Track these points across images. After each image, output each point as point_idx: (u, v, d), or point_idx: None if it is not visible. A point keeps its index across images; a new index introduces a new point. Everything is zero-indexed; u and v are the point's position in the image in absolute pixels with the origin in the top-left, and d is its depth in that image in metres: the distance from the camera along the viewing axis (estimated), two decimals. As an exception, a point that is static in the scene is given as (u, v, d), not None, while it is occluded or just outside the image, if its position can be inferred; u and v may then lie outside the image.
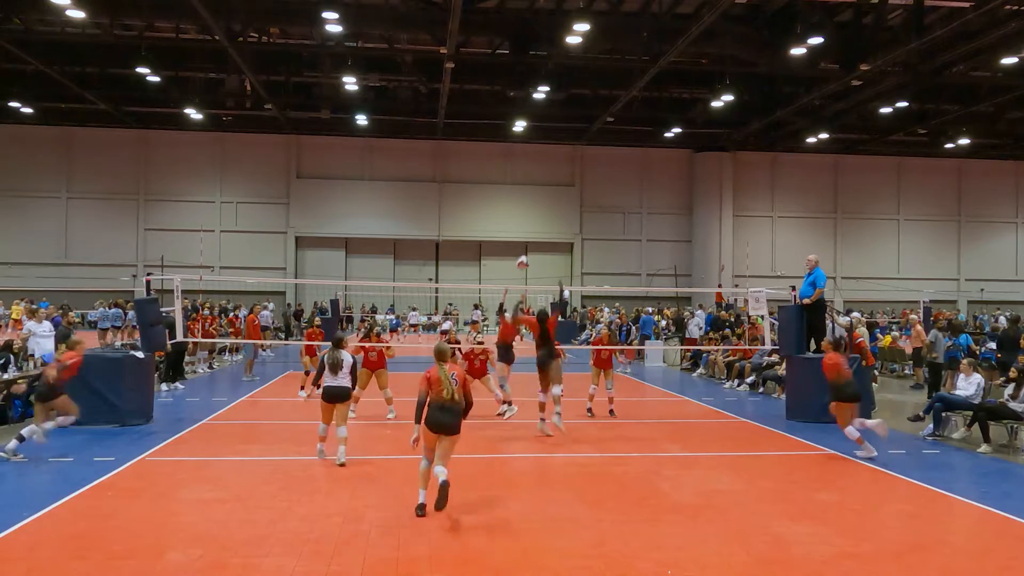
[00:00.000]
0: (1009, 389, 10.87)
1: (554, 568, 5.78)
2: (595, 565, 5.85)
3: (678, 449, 10.50)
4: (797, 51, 24.45)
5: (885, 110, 32.46)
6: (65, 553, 5.98)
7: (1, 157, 38.60)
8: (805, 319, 12.78)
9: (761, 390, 16.40)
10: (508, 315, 12.29)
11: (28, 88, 33.14)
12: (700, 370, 19.89)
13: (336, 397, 9.05)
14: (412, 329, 35.18)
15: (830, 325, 14.07)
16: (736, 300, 29.01)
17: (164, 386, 15.05)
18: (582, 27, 22.92)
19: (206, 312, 23.54)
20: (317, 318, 24.87)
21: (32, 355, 13.36)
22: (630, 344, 22.91)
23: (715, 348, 19.49)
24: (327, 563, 5.79)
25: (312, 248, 41.02)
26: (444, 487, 6.80)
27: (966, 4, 21.77)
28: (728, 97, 30.10)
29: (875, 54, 24.74)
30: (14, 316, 26.91)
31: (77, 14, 23.34)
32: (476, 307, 33.99)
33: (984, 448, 10.22)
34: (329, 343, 10.02)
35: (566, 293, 29.56)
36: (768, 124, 34.90)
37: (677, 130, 36.63)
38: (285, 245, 40.59)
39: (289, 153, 40.75)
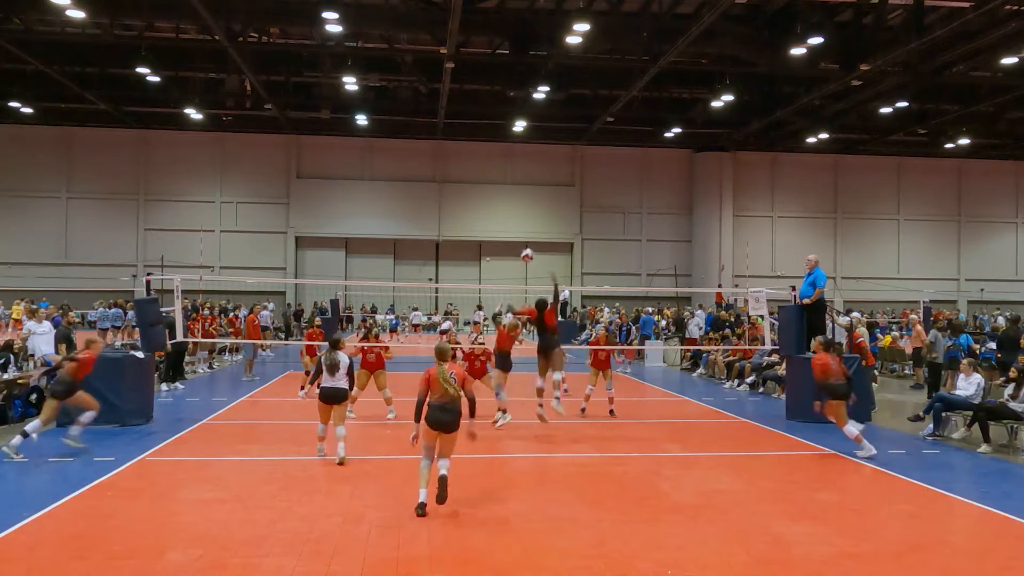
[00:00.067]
0: (1009, 389, 10.87)
1: (554, 568, 5.78)
2: (595, 565, 5.85)
3: (678, 449, 10.50)
4: (797, 51, 24.45)
5: (885, 110, 32.46)
6: (65, 553, 5.98)
7: (1, 157, 38.61)
8: (805, 319, 12.78)
9: (761, 390, 16.40)
10: (507, 318, 12.30)
11: (28, 88, 33.15)
12: (700, 370, 19.89)
13: (333, 398, 9.06)
14: (414, 329, 35.16)
15: (830, 325, 14.08)
16: (736, 300, 29.00)
17: (164, 386, 15.05)
18: (582, 27, 22.93)
19: (206, 312, 23.55)
20: (317, 318, 24.86)
21: (32, 355, 13.36)
22: (630, 344, 22.91)
23: (715, 348, 19.50)
24: (327, 563, 5.79)
25: (312, 248, 41.02)
26: (443, 480, 6.93)
27: (966, 4, 21.77)
28: (728, 97, 30.12)
29: (875, 54, 24.74)
30: (14, 316, 26.91)
31: (77, 14, 23.35)
32: (479, 308, 33.97)
33: (984, 448, 10.22)
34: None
35: (565, 293, 29.56)
36: (768, 124, 34.90)
37: (677, 130, 36.63)
38: (285, 245, 40.59)
39: (289, 153, 40.75)
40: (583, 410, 12.90)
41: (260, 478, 8.34)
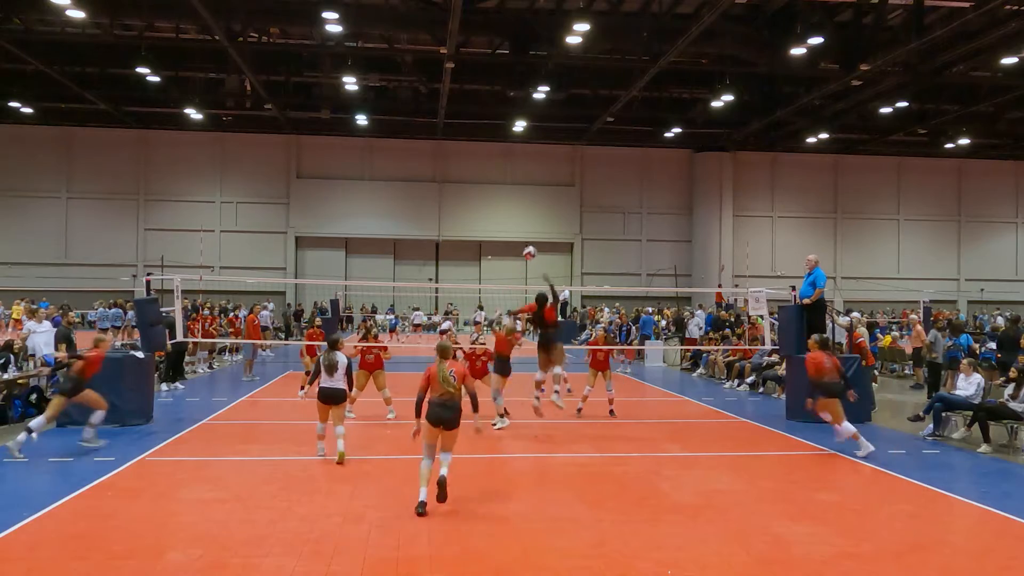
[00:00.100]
0: (1009, 389, 10.87)
1: (554, 568, 5.78)
2: (595, 565, 5.85)
3: (678, 449, 10.50)
4: (797, 51, 24.44)
5: (885, 110, 32.45)
6: (65, 553, 5.98)
7: (1, 157, 38.60)
8: (805, 319, 12.78)
9: (761, 390, 16.40)
10: (505, 319, 12.34)
11: (28, 88, 33.14)
12: (700, 370, 19.89)
13: (331, 398, 9.08)
14: (415, 329, 35.17)
15: (830, 325, 14.07)
16: (736, 300, 29.00)
17: (164, 386, 15.06)
18: (582, 27, 22.92)
19: (206, 312, 23.55)
20: (318, 319, 24.86)
21: (32, 355, 13.36)
22: (630, 344, 22.91)
23: (715, 348, 19.49)
24: (327, 563, 5.79)
25: (312, 248, 41.02)
26: (443, 482, 7.03)
27: (966, 4, 21.76)
28: (728, 97, 30.11)
29: (875, 54, 24.74)
30: (14, 316, 26.91)
31: (77, 14, 23.34)
32: (480, 308, 33.98)
33: (984, 448, 10.22)
34: (330, 343, 10.04)
35: (565, 293, 29.55)
36: (768, 124, 34.89)
37: (677, 130, 36.62)
38: (285, 245, 40.59)
39: (289, 153, 40.75)
40: (579, 410, 12.87)
41: (260, 478, 8.34)
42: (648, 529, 6.75)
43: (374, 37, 28.07)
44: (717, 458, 9.90)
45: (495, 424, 11.45)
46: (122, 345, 17.93)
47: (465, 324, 36.91)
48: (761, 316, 17.07)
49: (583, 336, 25.98)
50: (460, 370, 7.40)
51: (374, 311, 36.88)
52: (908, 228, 43.89)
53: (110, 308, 25.14)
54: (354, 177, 40.88)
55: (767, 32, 25.26)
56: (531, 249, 13.65)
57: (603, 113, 33.66)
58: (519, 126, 36.26)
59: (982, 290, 42.72)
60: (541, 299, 11.34)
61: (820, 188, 43.36)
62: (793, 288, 13.83)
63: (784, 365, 14.34)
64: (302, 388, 14.70)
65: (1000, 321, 30.25)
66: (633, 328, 24.51)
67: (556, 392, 11.04)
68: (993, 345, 18.31)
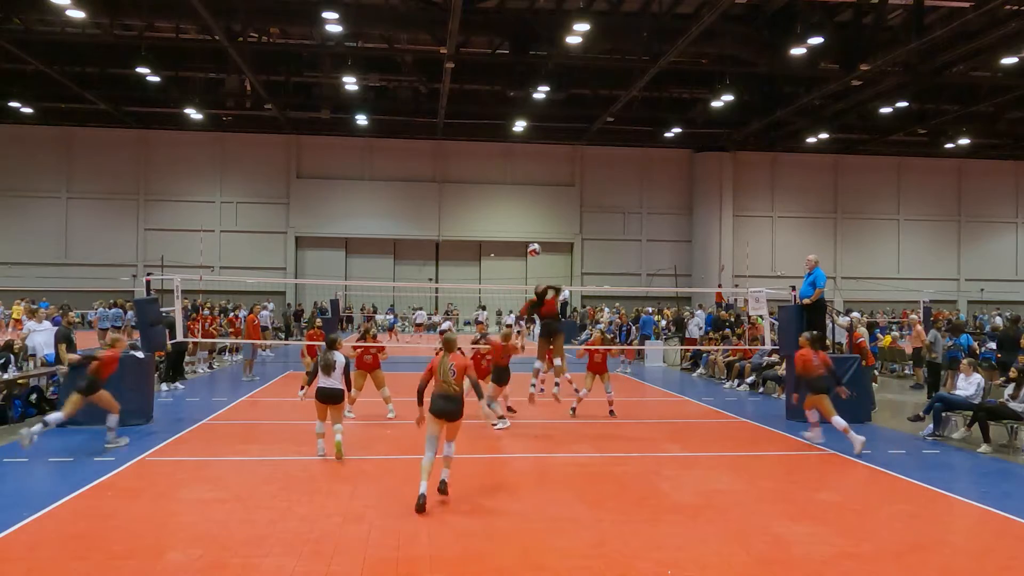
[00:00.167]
0: (1009, 389, 10.87)
1: (554, 568, 5.78)
2: (595, 565, 5.85)
3: (678, 449, 10.50)
4: (797, 51, 24.45)
5: (885, 110, 32.46)
6: (65, 553, 5.98)
7: (1, 157, 38.61)
8: (805, 319, 12.78)
9: (761, 390, 16.40)
10: (509, 319, 12.40)
11: (28, 88, 33.15)
12: (700, 370, 19.89)
13: (329, 398, 9.11)
14: (417, 329, 35.18)
15: (830, 325, 14.08)
16: (736, 300, 29.01)
17: (164, 386, 15.06)
18: (582, 27, 22.93)
19: (206, 312, 23.55)
20: (318, 319, 24.86)
21: (33, 355, 13.36)
22: (630, 344, 22.91)
23: (715, 348, 19.49)
24: (327, 563, 5.79)
25: (312, 248, 41.02)
26: (443, 486, 7.35)
27: (966, 4, 21.77)
28: (728, 97, 30.12)
29: (875, 54, 24.74)
30: (14, 316, 26.91)
31: (77, 14, 23.35)
32: (483, 308, 33.98)
33: (984, 448, 10.22)
34: (330, 344, 10.06)
35: (565, 293, 29.55)
36: (768, 124, 34.90)
37: (677, 130, 36.63)
38: (285, 245, 40.59)
39: (289, 153, 40.75)
40: (573, 410, 12.80)
41: (260, 478, 8.34)
42: (648, 529, 6.75)
43: (374, 37, 28.08)
44: (717, 458, 9.90)
45: (495, 425, 11.45)
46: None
47: (466, 324, 36.94)
48: (761, 316, 17.08)
49: (583, 336, 25.98)
50: (461, 363, 7.51)
51: (374, 311, 36.89)
52: (908, 228, 43.90)
53: (110, 308, 25.10)
54: (354, 177, 40.89)
55: (767, 32, 25.27)
56: (535, 246, 13.75)
57: (603, 113, 33.66)
58: (519, 126, 36.27)
59: (982, 290, 42.73)
60: (540, 292, 11.57)
61: (820, 188, 43.37)
62: (793, 288, 13.83)
63: (784, 365, 14.34)
64: (302, 388, 14.70)
65: (998, 321, 30.26)
66: (633, 328, 24.51)
67: (556, 384, 11.17)
68: (993, 345, 18.32)
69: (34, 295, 29.67)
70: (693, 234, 42.18)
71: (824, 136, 36.78)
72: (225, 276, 35.15)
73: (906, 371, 19.69)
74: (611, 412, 12.82)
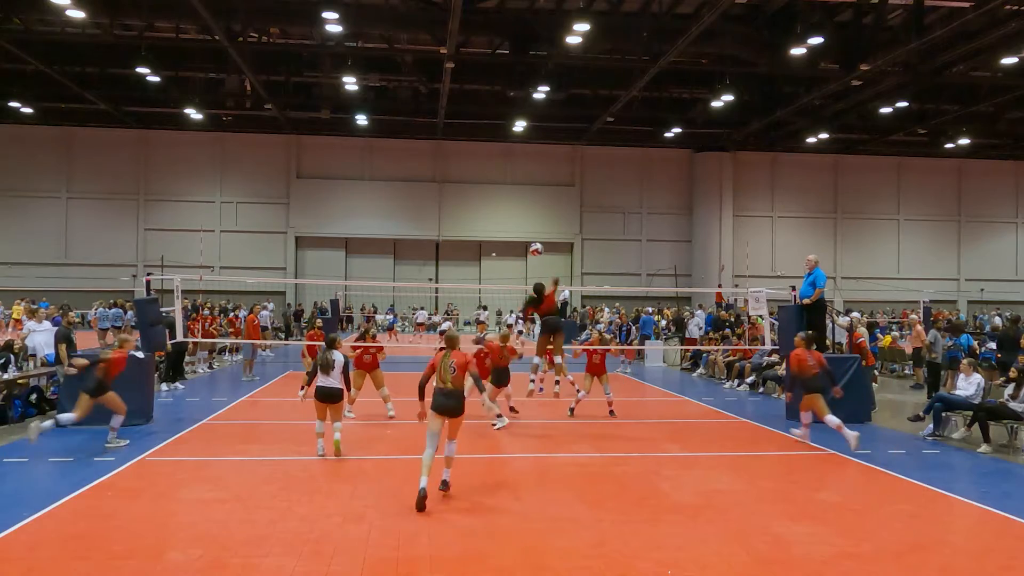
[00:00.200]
0: (1009, 389, 10.87)
1: (554, 568, 5.78)
2: (595, 565, 5.85)
3: (678, 449, 10.50)
4: (797, 51, 24.45)
5: (885, 110, 32.45)
6: (65, 553, 5.98)
7: (1, 157, 38.61)
8: (805, 319, 12.79)
9: (761, 390, 16.40)
10: (509, 319, 12.44)
11: (28, 88, 33.15)
12: (700, 370, 19.89)
13: (328, 397, 9.14)
14: (418, 328, 35.19)
15: (830, 325, 14.08)
16: (736, 300, 29.01)
17: (164, 386, 15.06)
18: (582, 27, 22.93)
19: (206, 312, 23.54)
20: (318, 319, 24.85)
21: (33, 355, 13.36)
22: (630, 344, 22.91)
23: (715, 348, 19.49)
24: (327, 563, 5.79)
25: (312, 248, 41.02)
26: (444, 485, 7.46)
27: (966, 4, 21.77)
28: (728, 97, 30.11)
29: (875, 54, 24.74)
30: (14, 316, 26.91)
31: (77, 14, 23.34)
32: (484, 308, 33.98)
33: (984, 448, 10.22)
34: (330, 344, 10.07)
35: (565, 293, 29.55)
36: (768, 124, 34.90)
37: (677, 130, 36.63)
38: (285, 245, 40.59)
39: (289, 153, 40.75)
40: (571, 411, 12.79)
41: (260, 478, 8.34)
42: (648, 529, 6.75)
43: (374, 37, 28.07)
44: (717, 458, 9.90)
45: (494, 424, 11.46)
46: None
47: (466, 324, 36.93)
48: (761, 316, 17.09)
49: (583, 336, 25.98)
50: (461, 360, 7.57)
51: (374, 311, 36.88)
52: (908, 228, 43.90)
53: (110, 308, 25.11)
54: (354, 177, 40.89)
55: (767, 32, 25.27)
56: (538, 246, 13.76)
57: (603, 113, 33.66)
58: (519, 126, 36.27)
59: (982, 290, 42.74)
60: (539, 288, 11.66)
61: (820, 188, 43.37)
62: (793, 288, 13.84)
63: (784, 365, 14.33)
64: (302, 388, 14.70)
65: (998, 321, 30.26)
66: (633, 328, 24.51)
67: (557, 383, 11.22)
68: (993, 345, 18.31)
69: (34, 295, 29.69)
70: (693, 234, 42.18)
71: (824, 136, 36.78)
72: (225, 276, 35.15)
73: (906, 371, 19.69)
74: (611, 412, 12.83)
